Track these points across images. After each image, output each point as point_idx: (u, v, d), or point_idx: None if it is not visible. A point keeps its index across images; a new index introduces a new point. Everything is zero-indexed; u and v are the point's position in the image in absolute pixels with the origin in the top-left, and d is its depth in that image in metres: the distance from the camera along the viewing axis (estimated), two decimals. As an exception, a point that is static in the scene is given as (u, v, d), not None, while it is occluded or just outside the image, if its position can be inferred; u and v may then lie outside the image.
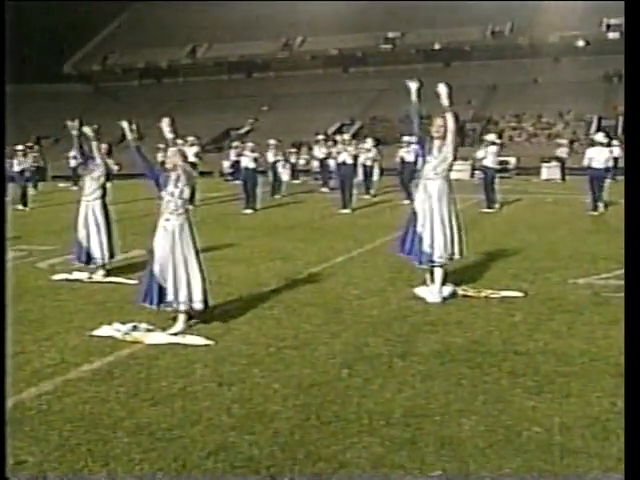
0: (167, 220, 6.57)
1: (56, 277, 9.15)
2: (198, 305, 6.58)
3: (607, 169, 17.23)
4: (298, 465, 3.87)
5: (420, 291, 7.73)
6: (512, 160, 34.83)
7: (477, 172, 22.01)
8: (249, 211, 17.99)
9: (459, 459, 3.90)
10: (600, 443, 4.05)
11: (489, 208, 17.08)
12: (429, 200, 7.65)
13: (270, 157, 23.22)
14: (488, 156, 17.78)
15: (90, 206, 9.28)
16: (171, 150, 6.63)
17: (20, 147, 24.11)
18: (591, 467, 3.79)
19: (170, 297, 6.52)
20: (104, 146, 9.68)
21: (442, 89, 7.60)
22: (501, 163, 32.39)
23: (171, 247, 6.51)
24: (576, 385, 4.96)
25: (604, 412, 4.47)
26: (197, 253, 6.64)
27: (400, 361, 5.55)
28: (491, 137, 19.19)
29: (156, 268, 6.54)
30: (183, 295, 6.51)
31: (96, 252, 9.20)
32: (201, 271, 6.60)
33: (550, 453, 3.94)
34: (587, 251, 10.58)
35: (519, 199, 20.27)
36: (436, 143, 7.66)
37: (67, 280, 8.99)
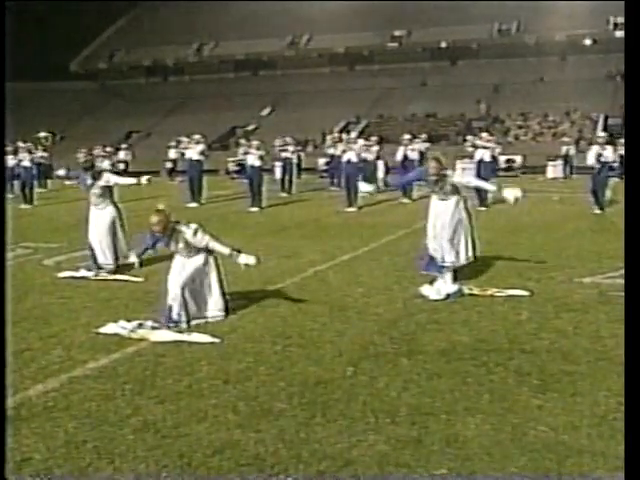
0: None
1: (62, 274, 9.17)
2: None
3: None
4: (303, 463, 3.87)
5: (424, 289, 7.74)
6: (518, 158, 34.78)
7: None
8: (255, 209, 17.98)
9: (464, 458, 3.89)
10: (606, 442, 4.04)
11: (481, 206, 17.09)
12: (439, 209, 8.00)
13: (285, 153, 23.30)
14: (483, 153, 18.66)
15: (100, 214, 9.42)
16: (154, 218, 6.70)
17: (25, 144, 24.12)
18: (597, 466, 3.79)
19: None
20: (108, 149, 9.85)
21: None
22: (507, 162, 32.54)
23: None
24: (582, 384, 4.95)
25: (610, 411, 4.46)
26: None
27: (406, 359, 5.55)
28: (484, 135, 20.26)
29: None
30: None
31: (101, 257, 9.34)
32: None
33: (556, 452, 3.93)
34: (593, 250, 10.55)
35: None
36: (437, 183, 7.97)
37: (73, 277, 9.01)
